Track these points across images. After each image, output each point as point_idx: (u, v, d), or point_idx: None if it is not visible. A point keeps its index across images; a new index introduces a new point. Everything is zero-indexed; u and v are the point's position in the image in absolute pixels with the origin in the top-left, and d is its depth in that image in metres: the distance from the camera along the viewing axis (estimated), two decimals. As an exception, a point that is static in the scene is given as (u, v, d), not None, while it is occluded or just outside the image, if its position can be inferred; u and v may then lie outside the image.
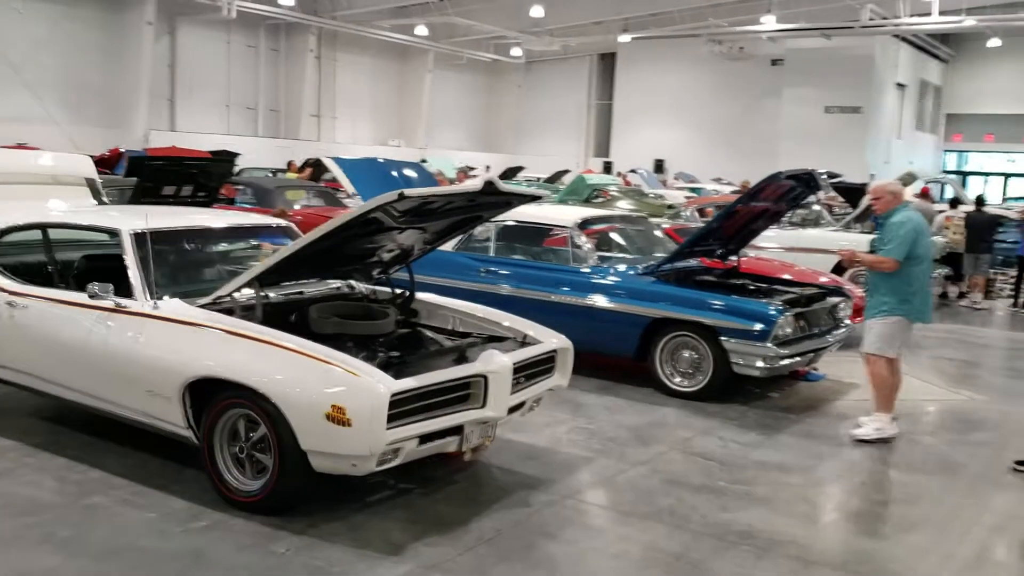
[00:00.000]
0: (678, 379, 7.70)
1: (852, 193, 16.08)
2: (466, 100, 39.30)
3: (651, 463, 6.07)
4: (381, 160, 10.08)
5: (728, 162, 31.02)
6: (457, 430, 4.93)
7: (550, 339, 5.73)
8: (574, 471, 5.87)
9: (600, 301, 7.91)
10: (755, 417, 7.28)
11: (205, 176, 11.75)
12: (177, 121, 29.65)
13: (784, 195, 8.26)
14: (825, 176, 7.89)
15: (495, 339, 5.73)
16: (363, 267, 5.96)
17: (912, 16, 27.15)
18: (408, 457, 4.74)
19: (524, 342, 5.66)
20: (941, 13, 26.15)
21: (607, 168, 33.51)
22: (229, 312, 5.14)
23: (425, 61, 35.65)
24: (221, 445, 4.87)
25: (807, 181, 7.94)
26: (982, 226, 14.50)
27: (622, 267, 8.26)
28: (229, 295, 5.23)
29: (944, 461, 6.53)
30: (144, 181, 11.00)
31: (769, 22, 28.22)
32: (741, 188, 18.67)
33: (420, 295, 6.15)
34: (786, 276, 9.15)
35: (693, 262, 8.78)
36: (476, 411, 4.96)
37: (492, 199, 5.47)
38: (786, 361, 7.37)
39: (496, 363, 4.99)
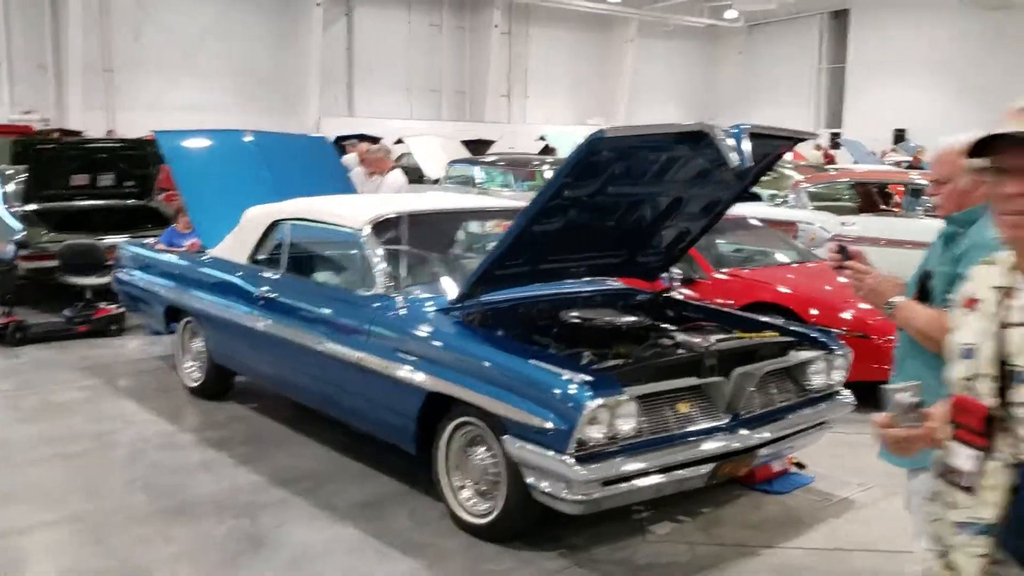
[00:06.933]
0: (467, 496, 4.43)
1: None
2: (677, 71, 35.14)
3: None
4: (248, 136, 7.32)
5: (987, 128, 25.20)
6: None
7: None
8: None
9: (366, 356, 4.76)
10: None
11: (128, 163, 9.71)
12: (355, 106, 28.41)
13: (699, 174, 4.65)
14: (741, 134, 4.12)
15: None
16: None
17: None
18: None
19: None
20: None
21: (834, 141, 28.54)
22: None
23: (627, 31, 32.21)
24: None
25: (705, 144, 4.23)
26: None
27: (430, 294, 5.01)
28: None
29: None
30: (39, 170, 9.16)
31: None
32: (914, 162, 14.11)
33: None
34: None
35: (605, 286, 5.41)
36: None
37: None
38: (619, 489, 3.90)
39: None
